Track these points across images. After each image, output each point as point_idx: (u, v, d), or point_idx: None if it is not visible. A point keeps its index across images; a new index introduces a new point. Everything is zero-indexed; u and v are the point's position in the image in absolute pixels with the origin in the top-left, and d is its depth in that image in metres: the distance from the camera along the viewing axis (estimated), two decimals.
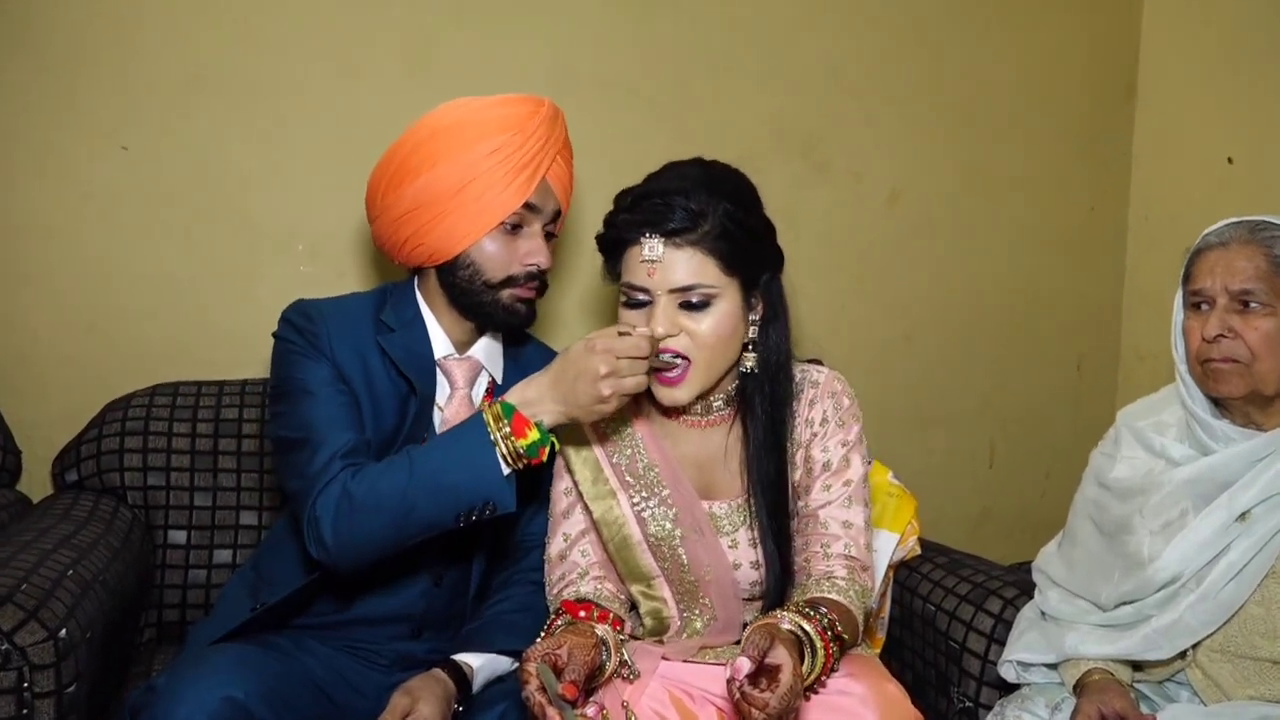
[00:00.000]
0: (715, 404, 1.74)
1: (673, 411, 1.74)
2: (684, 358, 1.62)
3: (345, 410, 1.70)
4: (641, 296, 1.62)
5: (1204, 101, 2.78)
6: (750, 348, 1.69)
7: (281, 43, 2.30)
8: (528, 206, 1.75)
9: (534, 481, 1.86)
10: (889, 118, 2.77)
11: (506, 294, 1.77)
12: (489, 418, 1.57)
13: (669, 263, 1.59)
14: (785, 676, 1.34)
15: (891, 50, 2.76)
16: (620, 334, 1.54)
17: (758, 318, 1.69)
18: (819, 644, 1.47)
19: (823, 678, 1.49)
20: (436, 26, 2.39)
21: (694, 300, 1.60)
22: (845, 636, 1.53)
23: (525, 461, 1.58)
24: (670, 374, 1.62)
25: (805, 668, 1.44)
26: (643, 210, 1.61)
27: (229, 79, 2.27)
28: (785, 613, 1.50)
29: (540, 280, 1.80)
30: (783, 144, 2.64)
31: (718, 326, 1.62)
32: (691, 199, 1.59)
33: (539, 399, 1.58)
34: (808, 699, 1.48)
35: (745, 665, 1.34)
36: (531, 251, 1.77)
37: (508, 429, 1.56)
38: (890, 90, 2.77)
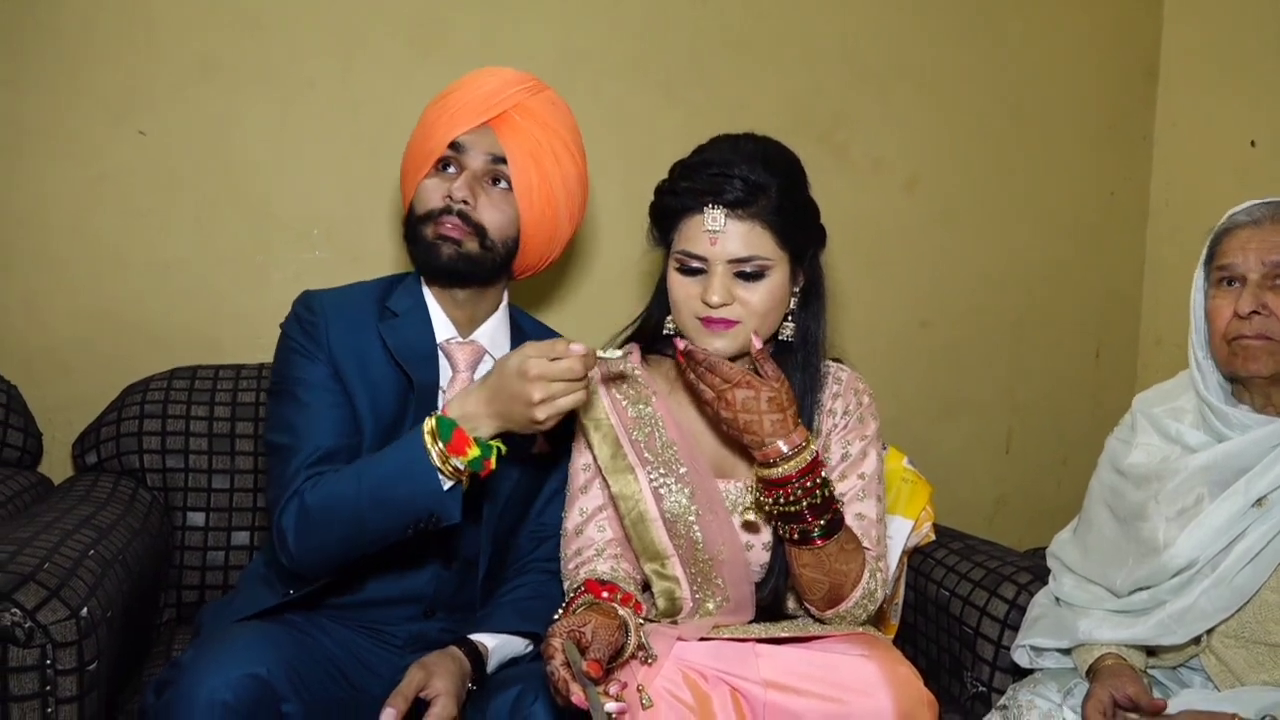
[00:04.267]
0: None
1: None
2: (733, 323, 1.67)
3: (331, 412, 1.72)
4: (697, 265, 1.67)
5: (1226, 84, 2.76)
6: (790, 318, 1.75)
7: (292, 27, 2.32)
8: (454, 146, 1.77)
9: (541, 475, 1.90)
10: (907, 103, 2.77)
11: (429, 230, 1.78)
12: (425, 433, 1.56)
13: (730, 233, 1.64)
14: (768, 370, 1.60)
15: (910, 34, 2.75)
16: (554, 358, 1.52)
17: (798, 290, 1.75)
18: (806, 455, 1.60)
19: (786, 492, 1.61)
20: (446, 9, 2.40)
21: (749, 271, 1.66)
22: (836, 515, 1.64)
23: (468, 473, 1.58)
24: (716, 324, 1.68)
25: (766, 460, 1.61)
26: (705, 180, 1.65)
27: (240, 64, 2.29)
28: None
29: (467, 221, 1.78)
30: (800, 129, 2.62)
31: (769, 296, 1.67)
32: (753, 172, 1.64)
33: (476, 414, 1.57)
34: (775, 495, 1.62)
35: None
36: (456, 187, 1.77)
37: (443, 446, 1.55)
38: (909, 75, 2.76)
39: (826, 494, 1.61)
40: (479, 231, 1.78)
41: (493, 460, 1.58)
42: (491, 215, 1.79)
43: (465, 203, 1.76)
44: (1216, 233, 1.74)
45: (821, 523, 1.60)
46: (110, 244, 2.26)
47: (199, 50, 2.27)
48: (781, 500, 1.60)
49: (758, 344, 1.61)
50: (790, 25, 2.65)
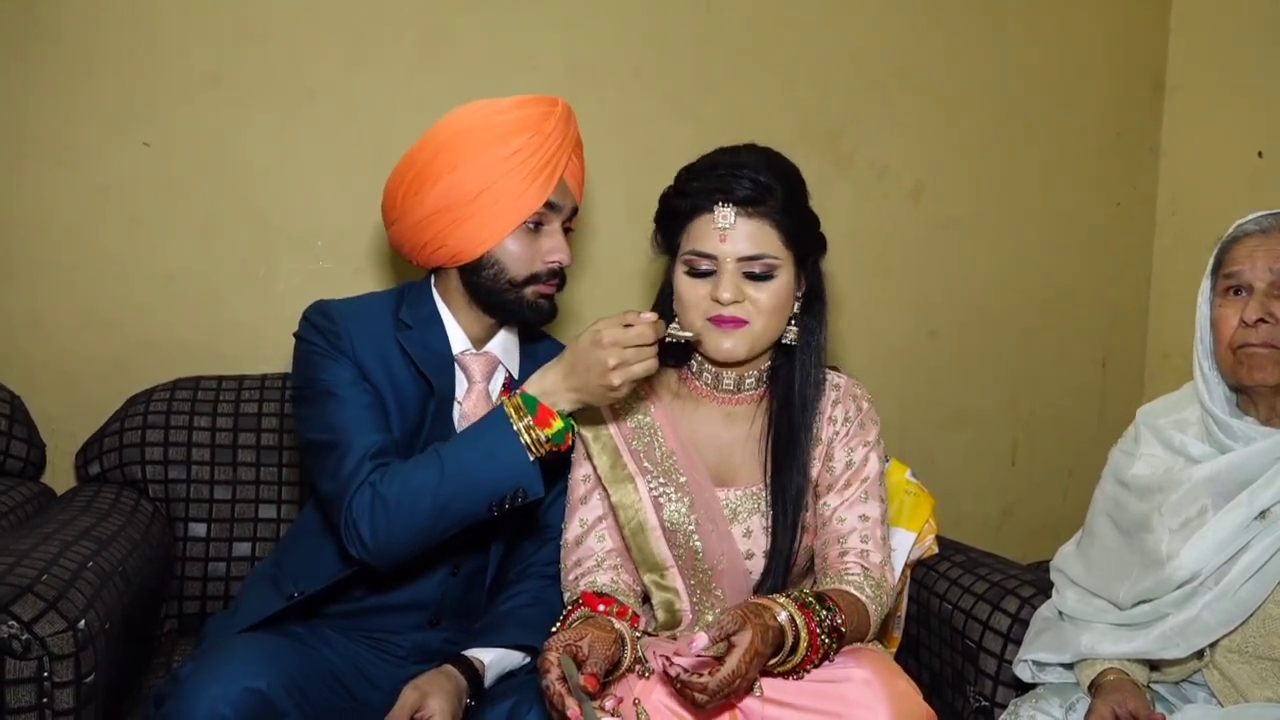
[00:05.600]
0: (748, 381, 1.81)
1: (702, 388, 1.82)
2: (743, 322, 1.69)
3: (370, 410, 1.74)
4: (705, 265, 1.70)
5: (1233, 95, 2.76)
6: (793, 322, 1.78)
7: (297, 39, 2.34)
8: (549, 205, 1.79)
9: (548, 479, 1.88)
10: (913, 112, 2.78)
11: (530, 291, 1.81)
12: (510, 410, 1.64)
13: (740, 231, 1.68)
14: (730, 660, 1.42)
15: (916, 43, 2.76)
16: (626, 325, 1.60)
17: (801, 294, 1.78)
18: (804, 642, 1.50)
19: (805, 667, 1.52)
20: (451, 20, 2.42)
21: (757, 271, 1.69)
22: (845, 630, 1.56)
23: (549, 448, 1.65)
24: (727, 322, 1.69)
25: (777, 659, 1.49)
26: (715, 179, 1.69)
27: (245, 75, 2.31)
28: (787, 601, 1.53)
29: (561, 276, 1.85)
30: (805, 138, 2.65)
31: (776, 296, 1.71)
32: (759, 173, 1.68)
33: (555, 389, 1.65)
34: (796, 678, 1.53)
35: (702, 641, 1.43)
36: (554, 249, 1.81)
37: (530, 420, 1.63)
38: (915, 84, 2.77)
39: (831, 626, 1.55)
40: (564, 279, 1.87)
41: (571, 436, 1.68)
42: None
43: (569, 262, 1.84)
44: (1224, 242, 1.74)
45: (838, 645, 1.56)
46: (113, 254, 2.28)
47: (202, 61, 2.29)
48: (815, 664, 1.54)
49: (695, 647, 1.45)
50: (795, 35, 2.66)
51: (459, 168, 1.75)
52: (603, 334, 1.59)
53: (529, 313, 1.83)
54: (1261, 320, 1.65)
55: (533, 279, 1.80)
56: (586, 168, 1.92)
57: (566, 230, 1.86)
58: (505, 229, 1.77)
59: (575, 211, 1.87)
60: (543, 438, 1.63)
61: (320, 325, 1.79)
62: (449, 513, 1.64)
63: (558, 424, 1.63)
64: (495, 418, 1.65)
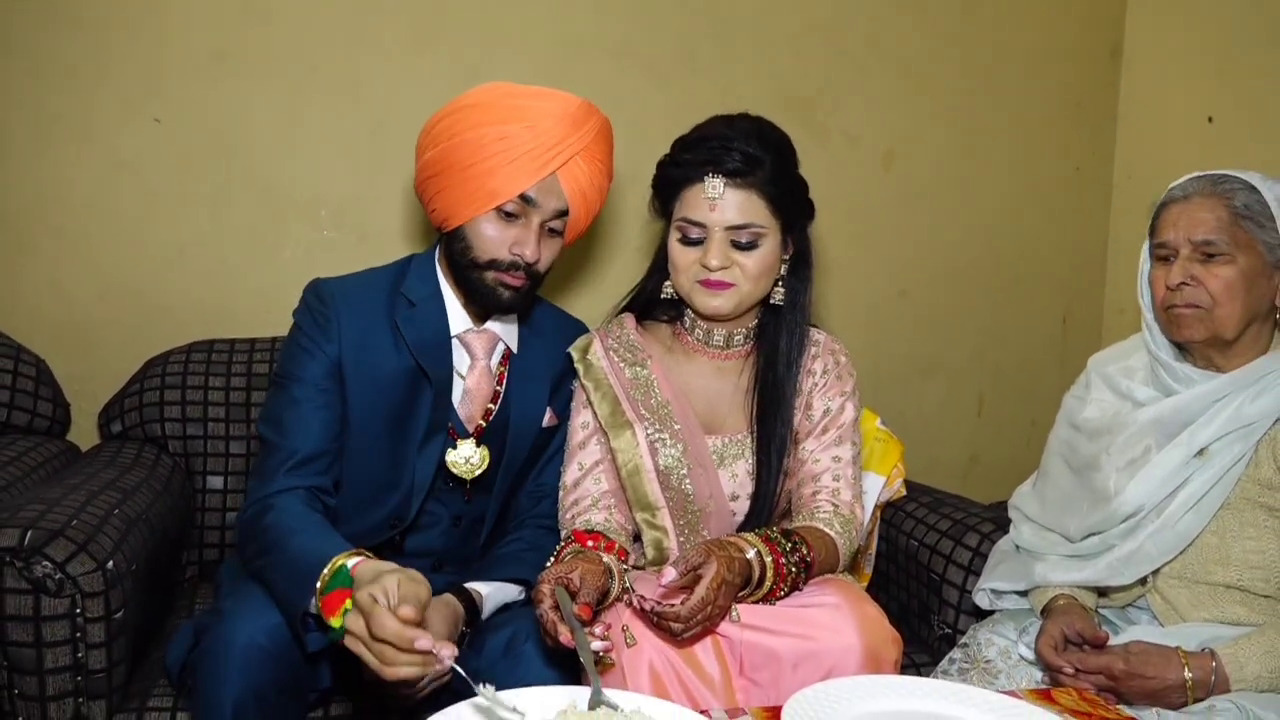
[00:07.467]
0: (736, 338, 1.90)
1: (694, 343, 1.91)
2: (730, 285, 1.80)
3: (317, 414, 1.78)
4: (696, 234, 1.79)
5: (1186, 63, 2.79)
6: (780, 284, 1.87)
7: (298, 18, 2.38)
8: (524, 199, 1.78)
9: (544, 437, 1.98)
10: (884, 82, 2.80)
11: (490, 275, 1.81)
12: (325, 572, 1.50)
13: (728, 201, 1.76)
14: (698, 589, 1.50)
15: (887, 16, 2.78)
16: (402, 646, 1.38)
17: (788, 257, 1.87)
18: (770, 572, 1.59)
19: (775, 595, 1.61)
20: None
21: (744, 240, 1.78)
22: (812, 560, 1.65)
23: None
24: (714, 285, 1.79)
25: (748, 591, 1.59)
26: (706, 151, 1.77)
27: (248, 52, 2.36)
28: (753, 538, 1.63)
29: (528, 272, 1.83)
30: (781, 108, 2.58)
31: (762, 262, 1.80)
32: (749, 145, 1.75)
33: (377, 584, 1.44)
34: (770, 604, 1.62)
35: (670, 574, 1.51)
36: (519, 241, 1.80)
37: (320, 601, 1.48)
38: (886, 56, 2.80)
39: (798, 558, 1.63)
40: (535, 276, 1.86)
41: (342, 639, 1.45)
42: (547, 259, 1.86)
43: (534, 260, 1.81)
44: (1156, 208, 1.82)
45: (807, 574, 1.65)
46: (130, 225, 2.34)
47: (209, 40, 2.33)
48: (786, 592, 1.63)
49: (664, 580, 1.52)
50: (772, 8, 2.69)
51: (454, 138, 1.78)
52: (372, 624, 1.39)
53: (486, 296, 1.83)
54: (1183, 284, 1.73)
55: (493, 264, 1.80)
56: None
57: (554, 232, 1.85)
58: (479, 208, 1.78)
59: (563, 214, 1.83)
60: (322, 619, 1.47)
61: (312, 306, 1.84)
62: (273, 589, 1.59)
63: (337, 622, 1.44)
64: (310, 570, 1.51)
